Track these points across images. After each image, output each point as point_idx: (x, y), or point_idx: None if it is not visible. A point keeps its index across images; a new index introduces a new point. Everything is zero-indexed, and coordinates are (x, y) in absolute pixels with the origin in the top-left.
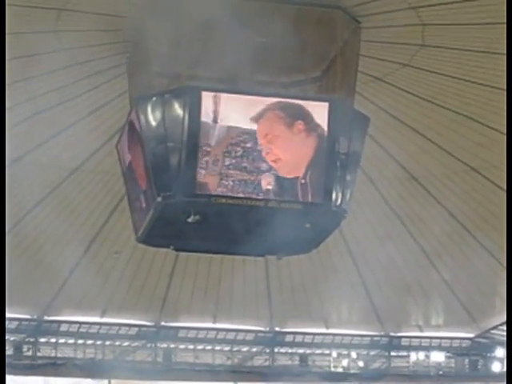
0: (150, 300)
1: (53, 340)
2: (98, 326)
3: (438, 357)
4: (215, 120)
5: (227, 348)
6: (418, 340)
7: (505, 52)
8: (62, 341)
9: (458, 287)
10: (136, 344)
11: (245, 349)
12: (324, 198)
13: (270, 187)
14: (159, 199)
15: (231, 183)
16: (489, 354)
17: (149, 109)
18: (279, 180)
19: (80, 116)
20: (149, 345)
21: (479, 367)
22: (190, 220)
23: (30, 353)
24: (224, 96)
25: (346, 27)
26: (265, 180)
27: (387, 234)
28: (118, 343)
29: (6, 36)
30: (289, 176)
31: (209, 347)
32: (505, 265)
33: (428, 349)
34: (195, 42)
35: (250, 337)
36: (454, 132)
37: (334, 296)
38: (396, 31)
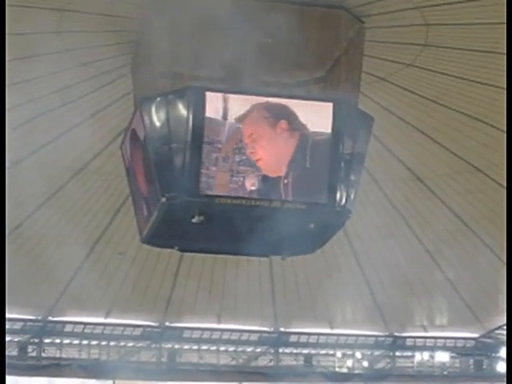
0: (155, 300)
1: (57, 341)
2: (102, 327)
3: (442, 357)
4: (225, 117)
5: (232, 348)
6: (422, 340)
7: None
8: (66, 341)
9: (463, 287)
10: (140, 344)
11: (249, 349)
12: (328, 198)
13: (253, 188)
14: (163, 200)
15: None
16: (493, 354)
17: (153, 109)
18: (263, 179)
19: (84, 117)
20: (153, 345)
21: (484, 367)
22: (194, 220)
23: (34, 353)
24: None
25: (349, 27)
26: (249, 181)
27: (391, 234)
28: (122, 344)
29: (8, 36)
30: (272, 175)
31: (213, 348)
32: None
33: (432, 349)
34: (199, 42)
35: (254, 337)
36: (459, 132)
37: (339, 296)
38: (400, 31)
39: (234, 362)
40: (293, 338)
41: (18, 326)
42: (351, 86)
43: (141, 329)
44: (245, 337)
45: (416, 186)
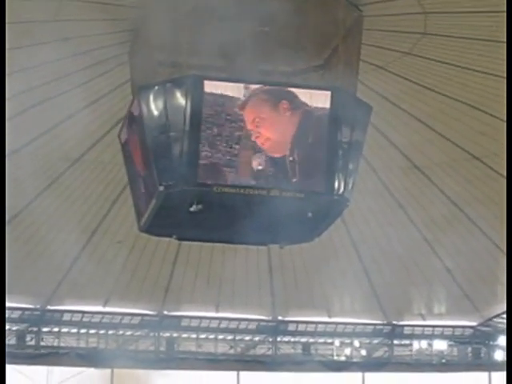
0: (153, 289)
1: (56, 329)
2: (100, 316)
3: (440, 345)
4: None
5: (230, 337)
6: (420, 328)
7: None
8: (64, 330)
9: (461, 276)
10: (139, 333)
11: (247, 338)
12: (326, 186)
13: (260, 167)
14: (161, 188)
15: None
16: (491, 343)
17: (151, 98)
18: (270, 160)
19: (81, 106)
20: (151, 334)
21: (482, 355)
22: (192, 209)
23: (32, 342)
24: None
25: (348, 15)
26: (255, 161)
27: (389, 223)
28: (120, 332)
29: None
30: (277, 155)
31: (211, 336)
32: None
33: (430, 337)
34: (197, 30)
35: (252, 326)
36: (457, 120)
37: (337, 285)
38: (398, 19)
39: (232, 351)
40: (291, 327)
41: (16, 314)
42: (349, 75)
43: (139, 317)
44: (243, 325)
45: (414, 175)
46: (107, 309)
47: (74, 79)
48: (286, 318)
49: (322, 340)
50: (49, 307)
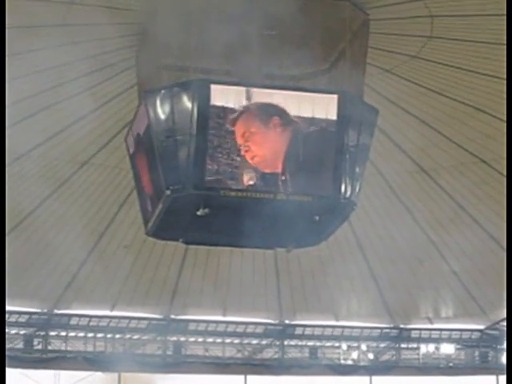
0: (160, 293)
1: (63, 333)
2: (108, 320)
3: (447, 349)
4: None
5: (237, 341)
6: (427, 332)
7: None
8: (72, 334)
9: (468, 279)
10: (146, 337)
11: (255, 341)
12: (333, 190)
13: (251, 182)
14: (168, 192)
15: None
16: (499, 346)
17: (158, 102)
18: (261, 176)
19: (89, 110)
20: (159, 338)
21: (489, 359)
22: (199, 213)
23: (40, 346)
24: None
25: (354, 19)
26: (247, 176)
27: (396, 226)
28: (127, 336)
29: (15, 29)
30: (268, 171)
31: (219, 340)
32: None
33: (438, 341)
34: (204, 34)
35: (259, 329)
36: (463, 124)
37: (344, 288)
38: (405, 23)
39: (239, 355)
40: (298, 331)
41: (23, 318)
42: (356, 78)
43: (146, 321)
44: (250, 329)
45: (421, 178)
46: (114, 313)
47: (81, 83)
48: (293, 322)
49: (329, 344)
50: (56, 311)
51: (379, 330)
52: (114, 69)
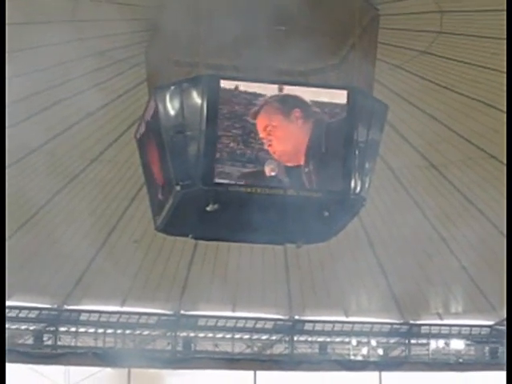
0: (170, 289)
1: (73, 329)
2: (117, 315)
3: (457, 344)
4: (240, 105)
5: (247, 336)
6: (437, 328)
7: None
8: (82, 330)
9: (478, 274)
10: (156, 333)
11: (264, 337)
12: (343, 186)
13: (273, 173)
14: (178, 188)
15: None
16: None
17: (167, 98)
18: (284, 169)
19: (98, 105)
20: (168, 333)
21: (499, 355)
22: (208, 209)
23: (50, 342)
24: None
25: (364, 14)
26: (268, 167)
27: (406, 221)
28: (137, 332)
29: (21, 25)
30: (291, 164)
31: (228, 336)
32: None
33: (448, 336)
34: (213, 30)
35: (269, 325)
36: (473, 119)
37: (354, 284)
38: (414, 18)
39: (248, 350)
40: (308, 326)
41: (33, 314)
42: (366, 74)
43: (156, 317)
44: (260, 325)
45: (430, 173)
46: (124, 308)
47: (90, 79)
48: (303, 318)
49: (338, 339)
50: (66, 307)
51: (389, 326)
52: (123, 65)
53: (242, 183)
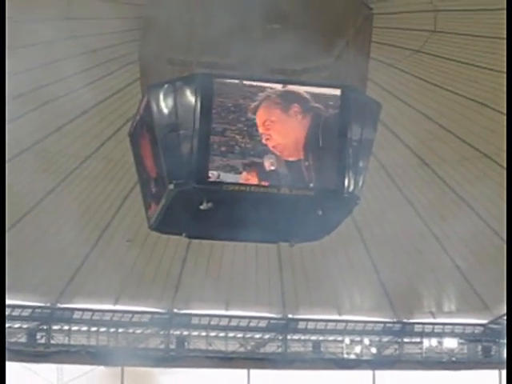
0: (163, 287)
1: (66, 327)
2: (111, 314)
3: (450, 343)
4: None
5: (240, 335)
6: (430, 326)
7: None
8: (75, 328)
9: (471, 273)
10: (149, 331)
11: (257, 336)
12: (336, 184)
13: (273, 168)
14: (171, 187)
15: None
16: (502, 341)
17: (161, 96)
18: (283, 163)
19: (92, 104)
20: (162, 332)
21: (492, 353)
22: (202, 207)
23: (43, 340)
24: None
25: (358, 13)
26: (267, 162)
27: (399, 220)
28: (131, 330)
29: (15, 23)
30: (291, 158)
31: (222, 334)
32: None
33: (441, 335)
34: (207, 28)
35: (262, 324)
36: (466, 118)
37: (347, 283)
38: (408, 17)
39: (242, 349)
40: (301, 325)
41: (26, 312)
42: (359, 73)
43: (149, 315)
44: (253, 323)
45: (423, 171)
46: (117, 307)
47: (83, 77)
48: (296, 316)
49: (332, 338)
50: (59, 305)
51: (382, 325)
52: (117, 63)
53: (236, 182)
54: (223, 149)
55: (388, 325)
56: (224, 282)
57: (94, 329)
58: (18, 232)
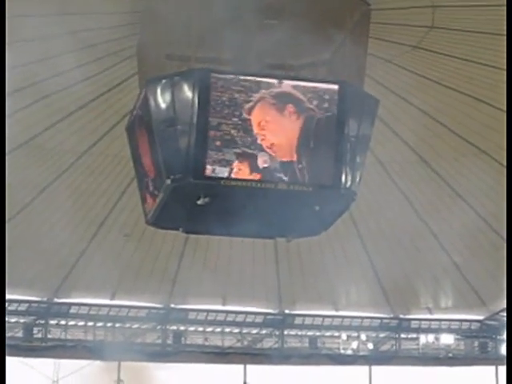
0: (160, 282)
1: (63, 322)
2: (107, 308)
3: (447, 339)
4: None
5: (237, 330)
6: (427, 322)
7: None
8: (72, 323)
9: (468, 269)
10: (146, 326)
11: (254, 331)
12: (333, 180)
13: (266, 165)
14: (168, 182)
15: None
16: (498, 337)
17: (158, 91)
18: (277, 163)
19: (89, 99)
20: (159, 327)
21: (489, 349)
22: (199, 202)
23: (40, 335)
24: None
25: (355, 9)
26: (261, 159)
27: (396, 217)
28: (127, 325)
29: (12, 19)
30: (284, 159)
31: (218, 329)
32: None
33: (437, 331)
34: (205, 23)
35: (259, 319)
36: (464, 114)
37: (344, 278)
38: (406, 13)
39: (239, 344)
40: (298, 320)
41: (23, 307)
42: (357, 68)
43: (146, 310)
44: (250, 319)
45: (421, 168)
46: (114, 302)
47: (81, 72)
48: (293, 312)
49: (328, 333)
50: (56, 300)
51: (379, 320)
52: (114, 58)
53: (234, 177)
54: (218, 143)
55: (385, 320)
56: (221, 277)
57: (90, 323)
58: (14, 227)
